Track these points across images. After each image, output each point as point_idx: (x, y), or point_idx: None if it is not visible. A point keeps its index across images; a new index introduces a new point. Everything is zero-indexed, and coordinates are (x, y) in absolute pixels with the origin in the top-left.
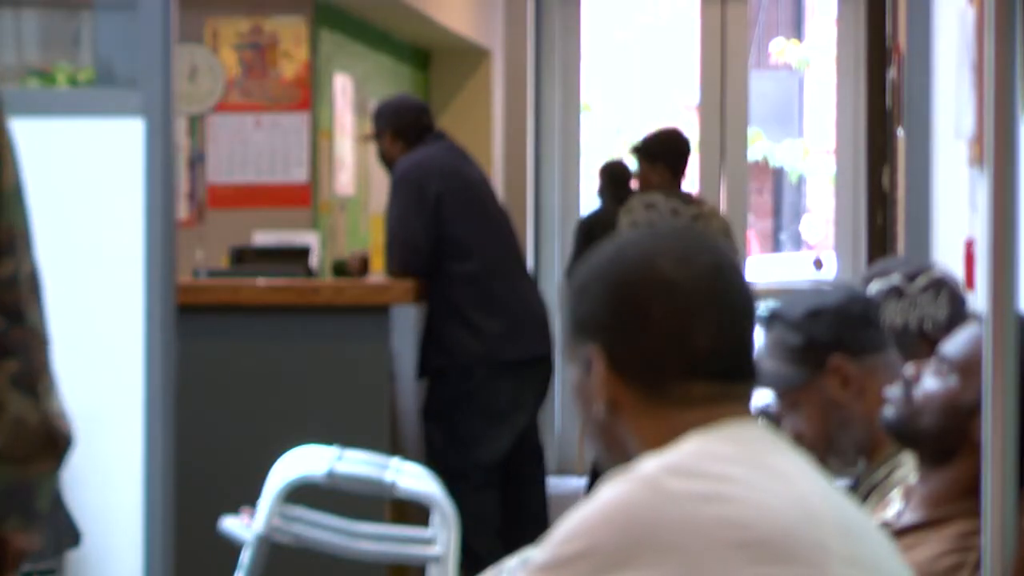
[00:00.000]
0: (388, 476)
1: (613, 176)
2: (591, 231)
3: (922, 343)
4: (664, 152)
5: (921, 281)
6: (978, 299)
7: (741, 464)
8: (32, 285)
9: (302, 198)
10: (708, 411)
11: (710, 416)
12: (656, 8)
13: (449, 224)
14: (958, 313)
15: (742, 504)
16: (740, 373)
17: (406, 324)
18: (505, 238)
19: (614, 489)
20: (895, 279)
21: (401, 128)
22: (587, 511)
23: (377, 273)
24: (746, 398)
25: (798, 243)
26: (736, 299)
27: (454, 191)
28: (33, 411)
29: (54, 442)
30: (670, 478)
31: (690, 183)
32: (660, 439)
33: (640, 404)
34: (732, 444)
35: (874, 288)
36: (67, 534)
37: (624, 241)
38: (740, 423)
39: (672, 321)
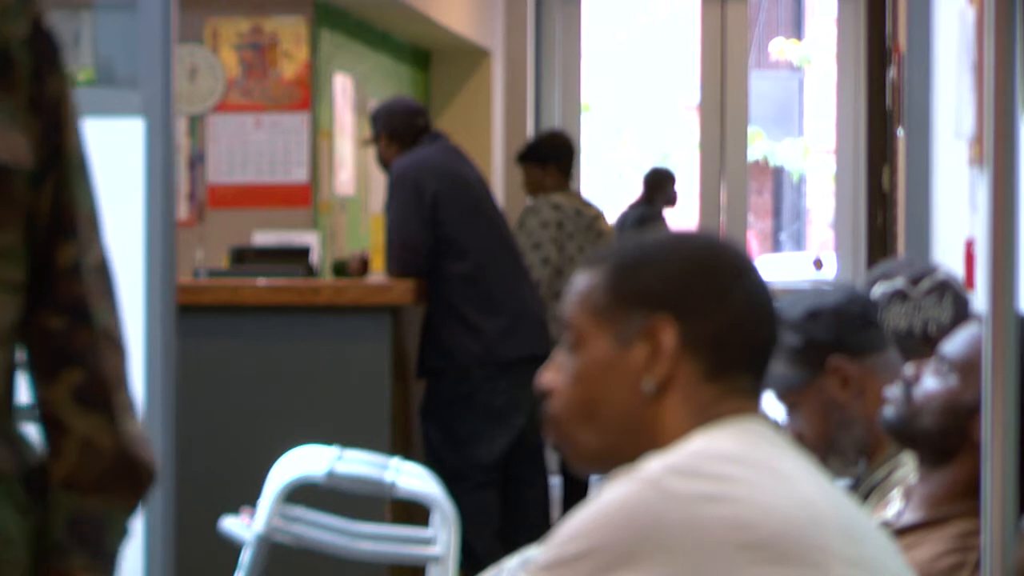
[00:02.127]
0: (388, 476)
1: (655, 181)
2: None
3: (926, 346)
4: (554, 155)
5: (925, 284)
6: (978, 299)
7: (745, 464)
8: (102, 278)
9: (302, 198)
10: (742, 403)
11: (743, 408)
12: (656, 8)
13: (446, 224)
14: (962, 316)
15: (745, 505)
16: (764, 376)
17: (406, 324)
18: (502, 238)
19: (618, 489)
20: (899, 282)
21: (396, 130)
22: (590, 511)
23: (377, 273)
24: (760, 396)
25: (798, 243)
26: (775, 315)
27: (450, 191)
28: (106, 431)
29: (133, 472)
30: (673, 478)
31: (690, 183)
32: (695, 422)
33: (695, 384)
34: (736, 443)
35: (878, 291)
36: None
37: (681, 231)
38: (745, 421)
39: (748, 305)
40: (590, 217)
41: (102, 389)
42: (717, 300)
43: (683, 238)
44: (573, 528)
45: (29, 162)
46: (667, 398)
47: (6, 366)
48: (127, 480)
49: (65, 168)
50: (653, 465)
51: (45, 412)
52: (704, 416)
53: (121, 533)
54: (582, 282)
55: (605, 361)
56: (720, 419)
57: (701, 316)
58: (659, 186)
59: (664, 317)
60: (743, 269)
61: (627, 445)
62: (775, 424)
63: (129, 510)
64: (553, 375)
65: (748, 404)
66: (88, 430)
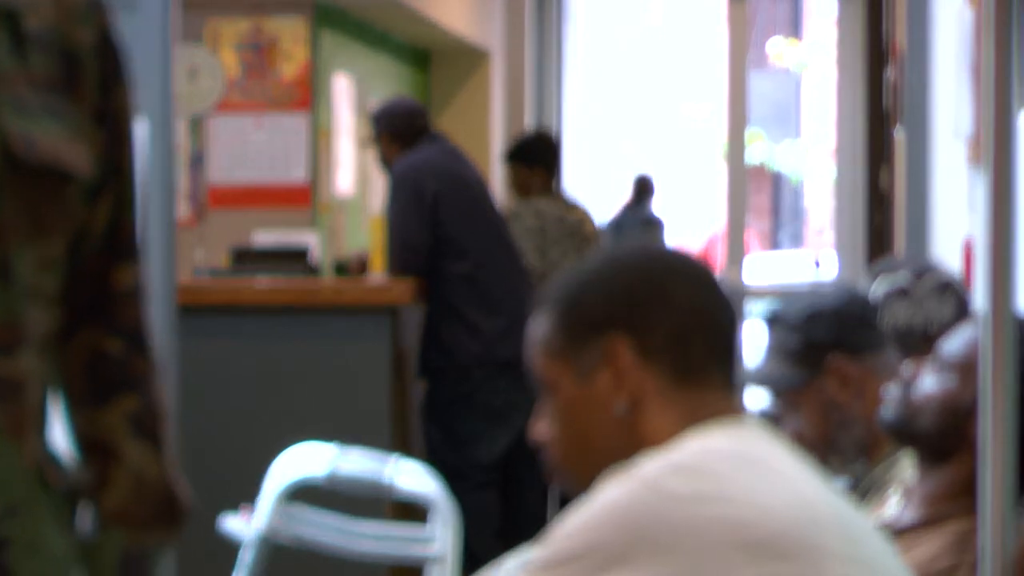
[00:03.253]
0: (386, 476)
1: (644, 186)
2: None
3: (925, 344)
4: (541, 156)
5: (927, 282)
6: (976, 299)
7: (741, 462)
8: (146, 303)
9: (302, 198)
10: (725, 401)
11: (729, 407)
12: (656, 8)
13: (446, 224)
14: (963, 315)
15: (742, 504)
16: (735, 370)
17: (407, 324)
18: (501, 238)
19: (615, 489)
20: (901, 279)
21: (396, 131)
22: (587, 510)
23: (377, 273)
24: (740, 397)
25: (798, 242)
26: (729, 306)
27: (450, 192)
28: (154, 464)
29: (173, 508)
30: (670, 478)
31: (690, 183)
32: (681, 427)
33: (666, 390)
34: (732, 442)
35: (880, 287)
36: None
37: (617, 246)
38: (739, 420)
39: (694, 297)
40: (574, 222)
41: (154, 418)
42: (660, 303)
43: (614, 255)
44: (570, 527)
45: (89, 173)
46: (645, 413)
47: (43, 379)
48: (167, 516)
49: (124, 187)
50: (649, 464)
51: (91, 437)
52: (692, 419)
53: (156, 569)
54: (536, 329)
55: (576, 398)
56: (711, 420)
57: (649, 323)
58: (648, 190)
59: (614, 335)
60: (680, 268)
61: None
62: (768, 424)
63: (164, 546)
64: (542, 426)
65: (731, 402)
66: (140, 460)
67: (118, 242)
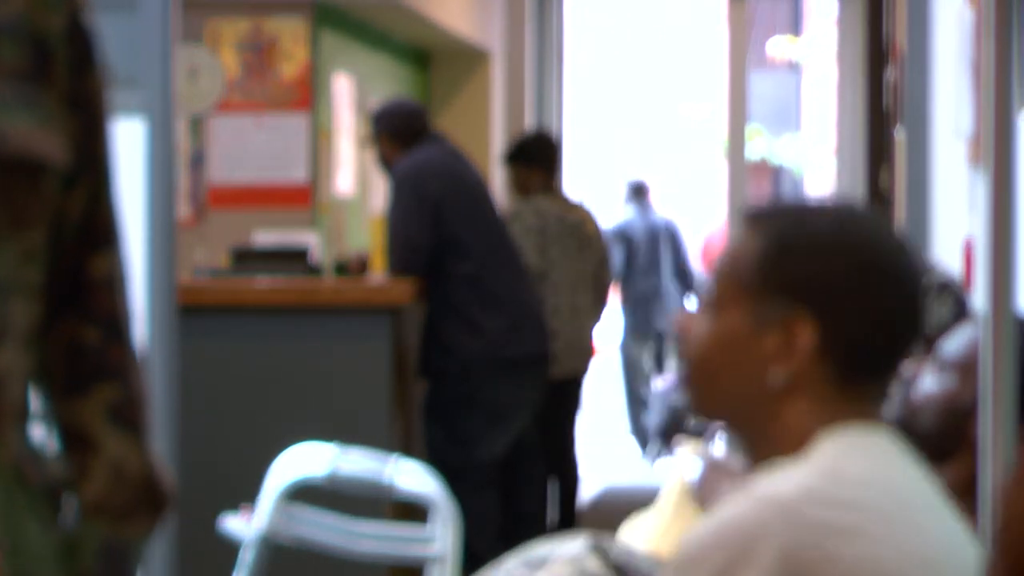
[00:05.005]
0: (386, 476)
1: (640, 189)
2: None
3: (925, 345)
4: (539, 155)
5: (925, 283)
6: (977, 298)
7: (875, 489)
8: (125, 291)
9: (302, 198)
10: (868, 407)
11: (868, 413)
12: (656, 8)
13: (447, 224)
14: (961, 316)
15: (876, 542)
16: (893, 380)
17: (407, 324)
18: (502, 238)
19: (742, 507)
20: None
21: (397, 131)
22: (713, 528)
23: (377, 273)
24: (886, 397)
25: None
26: (921, 318)
27: (452, 192)
28: (135, 454)
29: (156, 498)
30: (807, 507)
31: (691, 181)
32: (818, 424)
33: (823, 386)
34: (867, 460)
35: None
36: None
37: (858, 214)
38: (872, 431)
39: (897, 309)
40: (574, 222)
41: (133, 408)
42: (865, 304)
43: (847, 226)
44: (697, 547)
45: (63, 162)
46: (794, 395)
47: (26, 373)
48: (149, 506)
49: (99, 173)
50: (785, 487)
51: (70, 427)
52: (828, 418)
53: (139, 560)
54: (740, 241)
55: (738, 336)
56: (845, 424)
57: (844, 319)
58: (644, 193)
59: (805, 314)
60: (901, 268)
61: (745, 424)
62: (897, 433)
63: (147, 536)
64: (690, 322)
65: (874, 408)
66: (118, 451)
67: (94, 230)
